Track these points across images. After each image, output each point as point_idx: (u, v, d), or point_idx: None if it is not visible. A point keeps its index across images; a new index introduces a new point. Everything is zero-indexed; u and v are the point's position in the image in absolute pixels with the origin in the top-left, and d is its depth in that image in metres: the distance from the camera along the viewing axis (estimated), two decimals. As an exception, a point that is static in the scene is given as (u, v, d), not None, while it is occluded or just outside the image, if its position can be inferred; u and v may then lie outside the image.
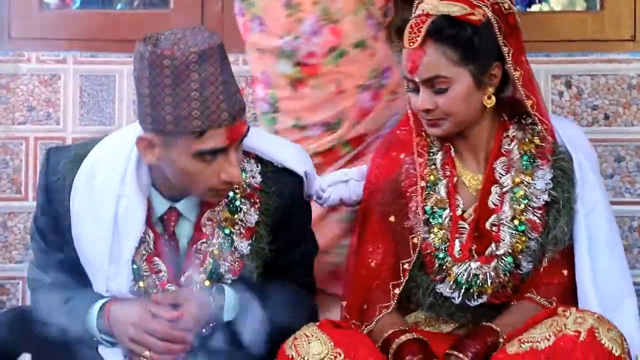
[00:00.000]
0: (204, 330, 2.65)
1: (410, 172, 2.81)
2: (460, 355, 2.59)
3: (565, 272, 2.79)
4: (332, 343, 2.59)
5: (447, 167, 2.81)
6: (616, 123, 3.63)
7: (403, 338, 2.65)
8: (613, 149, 3.62)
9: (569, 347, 2.49)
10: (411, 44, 2.71)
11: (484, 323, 2.69)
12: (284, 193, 2.79)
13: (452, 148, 2.83)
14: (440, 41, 2.69)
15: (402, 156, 2.85)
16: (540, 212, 2.76)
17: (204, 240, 2.73)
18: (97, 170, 2.72)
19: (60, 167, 2.75)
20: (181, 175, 2.60)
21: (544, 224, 2.75)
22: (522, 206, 2.75)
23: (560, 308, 2.61)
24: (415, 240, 2.77)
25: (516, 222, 2.75)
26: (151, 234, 2.72)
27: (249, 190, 2.76)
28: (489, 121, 2.81)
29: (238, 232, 2.74)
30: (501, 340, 2.62)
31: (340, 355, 2.58)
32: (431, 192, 2.79)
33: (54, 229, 2.74)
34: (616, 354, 2.49)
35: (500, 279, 2.74)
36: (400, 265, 2.77)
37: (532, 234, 2.75)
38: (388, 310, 2.75)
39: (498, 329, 2.64)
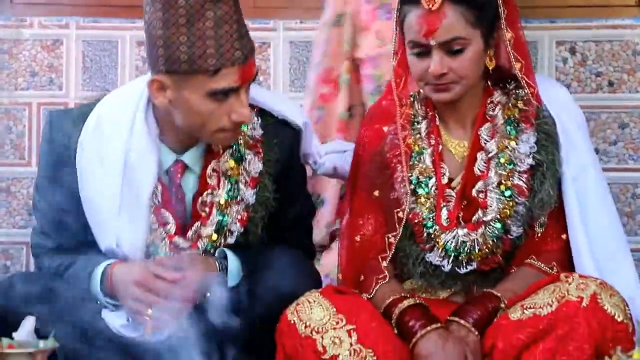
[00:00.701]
0: (207, 295, 2.65)
1: (395, 143, 2.80)
2: (462, 321, 2.60)
3: (564, 236, 2.78)
4: (334, 309, 2.60)
5: (432, 135, 2.80)
6: (620, 90, 3.61)
7: (405, 303, 2.65)
8: (617, 115, 3.61)
9: (572, 313, 2.50)
10: (430, 5, 2.68)
11: (485, 289, 2.69)
12: (284, 144, 2.82)
13: (437, 117, 2.82)
14: (458, 3, 2.68)
15: (385, 128, 2.83)
16: (525, 176, 2.75)
17: (210, 191, 2.75)
18: (103, 122, 2.74)
19: (64, 126, 2.76)
20: (192, 116, 2.62)
21: (530, 188, 2.74)
22: (508, 171, 2.74)
23: (562, 274, 2.61)
24: (400, 214, 2.76)
25: (502, 187, 2.74)
26: (159, 186, 2.73)
27: (251, 141, 2.78)
28: (479, 87, 2.80)
29: (243, 181, 2.76)
30: (502, 306, 2.62)
31: (342, 321, 2.58)
32: (416, 161, 2.78)
33: (58, 190, 2.75)
34: (619, 320, 2.50)
35: (489, 245, 2.74)
36: (386, 239, 2.77)
37: (519, 198, 2.74)
38: (384, 281, 2.75)
39: (499, 294, 2.65)
